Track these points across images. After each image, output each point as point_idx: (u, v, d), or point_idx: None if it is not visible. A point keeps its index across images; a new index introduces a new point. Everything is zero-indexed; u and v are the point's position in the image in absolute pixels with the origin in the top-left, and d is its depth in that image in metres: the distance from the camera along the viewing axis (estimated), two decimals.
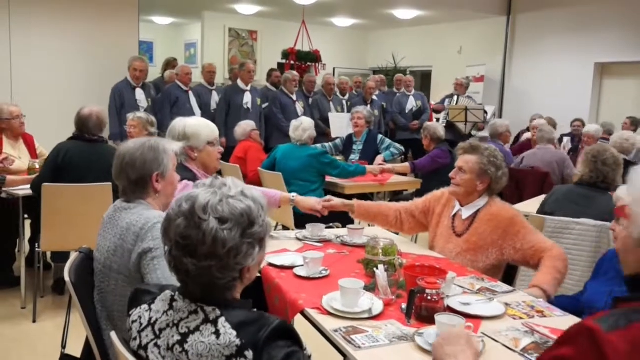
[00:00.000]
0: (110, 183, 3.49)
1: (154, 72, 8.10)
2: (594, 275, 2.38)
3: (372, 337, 1.63)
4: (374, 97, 7.79)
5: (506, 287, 2.13)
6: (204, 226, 1.19)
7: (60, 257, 3.91)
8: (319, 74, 8.47)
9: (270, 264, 2.26)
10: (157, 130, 4.42)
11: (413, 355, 1.55)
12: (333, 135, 6.34)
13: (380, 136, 5.43)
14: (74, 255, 1.95)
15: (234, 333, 1.16)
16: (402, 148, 5.47)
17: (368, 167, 4.69)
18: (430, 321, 1.67)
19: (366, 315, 1.78)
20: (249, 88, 6.69)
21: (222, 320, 1.19)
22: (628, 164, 3.00)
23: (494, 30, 9.53)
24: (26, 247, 4.02)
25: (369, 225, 3.19)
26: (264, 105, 6.96)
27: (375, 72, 11.13)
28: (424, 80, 11.35)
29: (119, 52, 6.34)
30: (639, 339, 0.92)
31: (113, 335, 1.38)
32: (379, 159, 5.07)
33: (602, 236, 2.99)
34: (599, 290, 2.24)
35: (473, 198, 2.55)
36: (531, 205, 3.70)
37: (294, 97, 7.01)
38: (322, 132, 6.55)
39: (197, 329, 1.20)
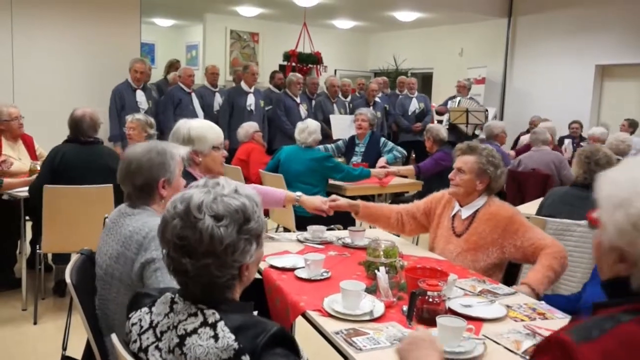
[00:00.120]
0: (111, 185, 3.50)
1: (156, 74, 8.11)
2: (592, 276, 2.38)
3: (374, 339, 1.63)
4: (377, 99, 7.80)
5: (507, 289, 2.13)
6: (199, 225, 1.19)
7: (62, 258, 3.91)
8: (320, 76, 8.48)
9: (272, 266, 2.26)
10: (156, 132, 4.43)
11: None
12: (334, 137, 6.34)
13: (382, 139, 5.42)
14: (75, 257, 1.94)
15: (233, 337, 1.16)
16: (405, 152, 5.46)
17: (373, 171, 4.65)
18: (432, 323, 1.67)
19: (367, 318, 1.78)
20: (252, 90, 6.71)
21: (221, 324, 1.19)
22: None
23: (494, 33, 9.53)
24: (27, 248, 4.02)
25: (370, 227, 3.19)
26: (267, 108, 6.98)
27: (376, 74, 11.15)
28: (425, 82, 11.36)
29: (120, 54, 6.34)
30: (610, 350, 0.92)
31: (114, 337, 1.38)
32: (382, 161, 5.05)
33: None
34: (597, 291, 2.24)
35: (472, 198, 2.57)
36: (532, 207, 3.70)
37: (298, 100, 7.02)
38: (326, 134, 6.57)
39: (194, 331, 1.20)
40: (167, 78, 7.65)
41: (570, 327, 1.01)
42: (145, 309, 1.32)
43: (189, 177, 2.51)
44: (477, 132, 7.78)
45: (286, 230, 4.26)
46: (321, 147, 5.11)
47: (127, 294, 1.75)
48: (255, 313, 1.30)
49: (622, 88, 8.36)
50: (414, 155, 8.04)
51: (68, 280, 1.79)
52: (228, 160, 5.02)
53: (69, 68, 6.34)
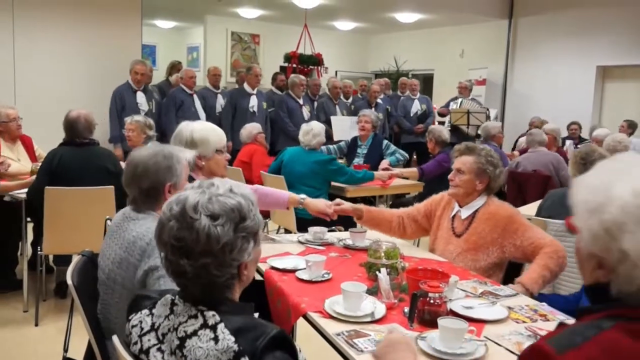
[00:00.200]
0: (112, 186, 3.50)
1: (158, 76, 8.12)
2: None
3: (375, 341, 1.62)
4: (379, 101, 7.80)
5: (509, 291, 2.13)
6: (196, 225, 1.19)
7: (63, 260, 3.91)
8: (321, 78, 8.49)
9: (273, 268, 2.26)
10: (155, 133, 4.43)
11: None
12: (335, 139, 6.34)
13: (385, 141, 5.40)
14: (76, 259, 1.94)
15: (233, 339, 1.17)
16: (407, 155, 5.45)
17: (376, 173, 4.62)
18: (433, 325, 1.67)
19: (368, 319, 1.77)
20: (255, 92, 6.73)
21: (221, 326, 1.19)
22: None
23: (495, 34, 9.53)
24: (28, 250, 4.02)
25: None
26: (269, 109, 6.99)
27: (377, 75, 11.15)
28: (425, 83, 11.36)
29: (122, 56, 6.35)
30: (593, 357, 0.91)
31: (115, 338, 1.38)
32: (385, 163, 5.02)
33: None
34: None
35: (472, 198, 2.58)
36: (533, 209, 3.69)
37: (301, 101, 7.03)
38: (329, 136, 6.57)
39: (194, 333, 1.20)
40: (170, 80, 7.66)
41: (553, 335, 1.00)
42: (145, 311, 1.32)
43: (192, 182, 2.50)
44: (479, 132, 7.77)
45: (287, 231, 4.26)
46: (323, 147, 5.10)
47: (129, 300, 1.75)
48: (257, 315, 1.30)
49: (623, 89, 8.35)
50: (415, 157, 8.03)
51: (69, 281, 1.79)
52: (230, 161, 5.02)
53: (70, 70, 6.34)
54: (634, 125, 7.29)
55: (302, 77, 7.23)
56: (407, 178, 5.14)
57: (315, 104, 7.35)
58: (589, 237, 1.01)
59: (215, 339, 1.17)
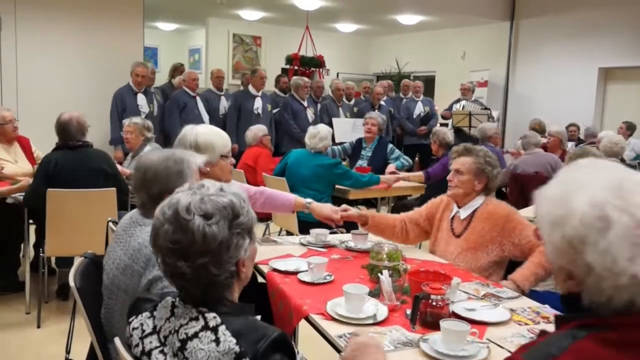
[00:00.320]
0: (114, 188, 3.50)
1: (160, 78, 8.13)
2: None
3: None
4: (382, 103, 7.80)
5: (511, 293, 2.13)
6: (190, 226, 1.20)
7: (65, 262, 3.91)
8: (323, 79, 8.50)
9: (275, 270, 2.26)
10: (153, 135, 4.43)
11: None
12: (337, 140, 6.34)
13: (390, 145, 5.37)
14: (78, 261, 1.94)
15: (234, 340, 1.17)
16: (411, 161, 5.44)
17: (383, 177, 4.58)
18: (435, 327, 1.67)
19: (371, 321, 1.78)
20: (259, 94, 6.76)
21: (222, 328, 1.20)
22: None
23: (497, 36, 9.53)
24: (31, 252, 4.03)
25: None
26: (274, 111, 7.00)
27: (378, 77, 11.15)
28: (427, 85, 11.33)
29: (123, 58, 6.36)
30: None
31: (117, 340, 1.38)
32: (391, 167, 4.96)
33: None
34: None
35: (471, 198, 2.61)
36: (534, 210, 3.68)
37: (305, 104, 7.03)
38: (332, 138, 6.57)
39: (195, 335, 1.20)
40: (172, 82, 7.68)
41: (529, 347, 0.99)
42: (146, 314, 1.32)
43: None
44: (476, 133, 7.77)
45: (289, 233, 4.26)
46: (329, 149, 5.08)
47: None
48: (259, 317, 1.30)
49: (625, 91, 8.34)
50: (417, 159, 8.03)
51: (72, 283, 1.79)
52: (235, 164, 5.01)
53: (72, 72, 6.36)
54: (633, 127, 7.31)
55: (306, 79, 7.25)
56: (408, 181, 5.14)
57: (319, 106, 7.36)
58: (554, 251, 1.01)
59: (217, 341, 1.18)
